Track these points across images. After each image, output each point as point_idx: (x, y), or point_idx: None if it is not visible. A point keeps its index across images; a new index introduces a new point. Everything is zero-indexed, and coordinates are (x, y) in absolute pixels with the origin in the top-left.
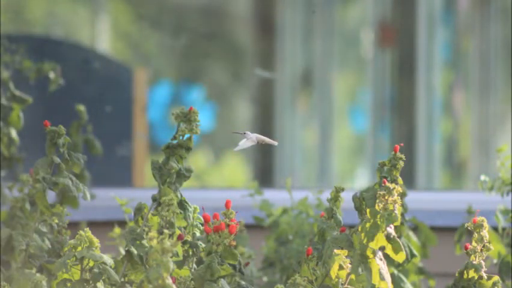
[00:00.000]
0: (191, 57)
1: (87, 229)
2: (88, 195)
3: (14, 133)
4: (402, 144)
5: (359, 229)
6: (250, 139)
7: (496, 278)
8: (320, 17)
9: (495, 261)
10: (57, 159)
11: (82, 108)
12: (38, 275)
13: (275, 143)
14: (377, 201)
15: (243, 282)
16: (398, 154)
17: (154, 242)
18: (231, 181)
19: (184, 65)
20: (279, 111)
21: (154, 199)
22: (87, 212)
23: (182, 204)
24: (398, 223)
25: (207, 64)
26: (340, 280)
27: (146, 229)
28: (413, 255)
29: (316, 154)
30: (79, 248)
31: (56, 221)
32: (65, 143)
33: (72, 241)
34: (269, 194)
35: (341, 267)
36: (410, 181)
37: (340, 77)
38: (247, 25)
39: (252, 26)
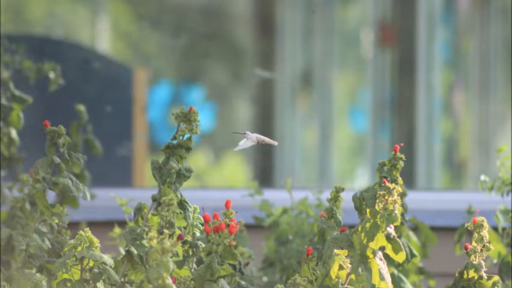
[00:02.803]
0: (191, 57)
1: (87, 229)
2: (88, 195)
3: (14, 133)
4: (402, 144)
5: (359, 229)
6: (250, 139)
7: (496, 278)
8: (320, 17)
9: (495, 261)
10: (57, 159)
11: (82, 108)
12: (38, 275)
13: (275, 143)
14: (377, 201)
15: (243, 282)
16: (398, 154)
17: (154, 242)
18: (231, 181)
19: (184, 65)
20: (279, 111)
21: (154, 199)
22: (87, 212)
23: (182, 204)
24: (398, 223)
25: (207, 64)
26: (340, 280)
27: (146, 229)
28: (413, 255)
29: (316, 154)
30: (79, 248)
31: (56, 221)
32: (65, 143)
33: (72, 241)
34: (269, 194)
35: (341, 267)
36: (410, 181)
37: (340, 77)
38: (247, 25)
39: (252, 26)
